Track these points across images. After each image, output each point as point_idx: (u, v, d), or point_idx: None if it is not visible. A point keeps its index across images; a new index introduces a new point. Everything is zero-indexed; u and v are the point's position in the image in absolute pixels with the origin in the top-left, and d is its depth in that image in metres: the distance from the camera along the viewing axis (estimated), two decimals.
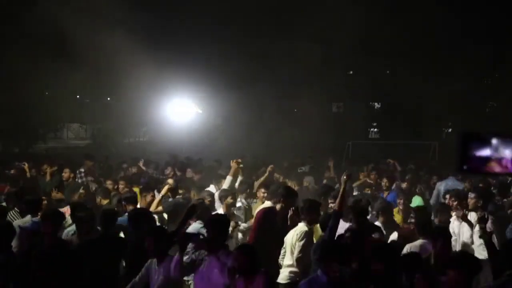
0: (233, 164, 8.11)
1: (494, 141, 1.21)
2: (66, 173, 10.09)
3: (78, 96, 24.55)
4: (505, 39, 20.60)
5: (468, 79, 21.32)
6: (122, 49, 16.68)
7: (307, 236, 5.86)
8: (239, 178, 8.26)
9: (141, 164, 12.19)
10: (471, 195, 6.87)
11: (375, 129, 27.97)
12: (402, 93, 21.47)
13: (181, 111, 19.30)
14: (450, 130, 25.22)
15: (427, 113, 21.77)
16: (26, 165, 10.37)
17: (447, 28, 21.05)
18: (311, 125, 19.67)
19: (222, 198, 7.15)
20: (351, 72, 25.55)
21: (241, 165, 9.11)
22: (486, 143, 1.21)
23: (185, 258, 5.03)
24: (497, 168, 1.22)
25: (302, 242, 5.78)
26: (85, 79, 20.14)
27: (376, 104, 27.56)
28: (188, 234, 5.35)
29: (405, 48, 21.30)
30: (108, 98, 24.40)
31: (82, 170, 10.86)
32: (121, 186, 8.90)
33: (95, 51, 16.64)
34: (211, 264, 4.81)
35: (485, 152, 1.21)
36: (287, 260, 5.91)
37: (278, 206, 6.51)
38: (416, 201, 8.53)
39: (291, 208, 6.27)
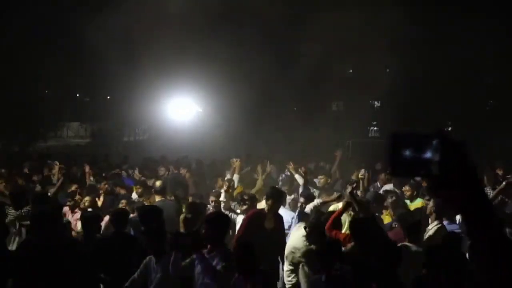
0: (236, 164, 8.44)
1: (434, 142, 1.14)
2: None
3: (78, 95, 24.55)
4: (506, 38, 20.55)
5: (468, 78, 21.28)
6: (122, 48, 16.69)
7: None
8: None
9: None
10: None
11: (375, 128, 27.92)
12: (402, 92, 21.44)
13: (181, 109, 19.29)
14: (450, 129, 25.16)
15: (426, 112, 21.73)
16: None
17: (447, 27, 21.01)
18: (311, 124, 19.64)
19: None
20: (350, 71, 25.50)
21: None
22: (422, 144, 1.14)
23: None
24: (434, 171, 1.14)
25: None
26: (85, 78, 20.14)
27: (376, 102, 27.49)
28: (180, 233, 5.32)
29: (404, 47, 21.24)
30: (108, 97, 24.36)
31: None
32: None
33: (95, 51, 16.63)
34: (199, 264, 4.69)
35: (423, 154, 1.14)
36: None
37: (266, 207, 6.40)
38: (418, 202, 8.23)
39: None
